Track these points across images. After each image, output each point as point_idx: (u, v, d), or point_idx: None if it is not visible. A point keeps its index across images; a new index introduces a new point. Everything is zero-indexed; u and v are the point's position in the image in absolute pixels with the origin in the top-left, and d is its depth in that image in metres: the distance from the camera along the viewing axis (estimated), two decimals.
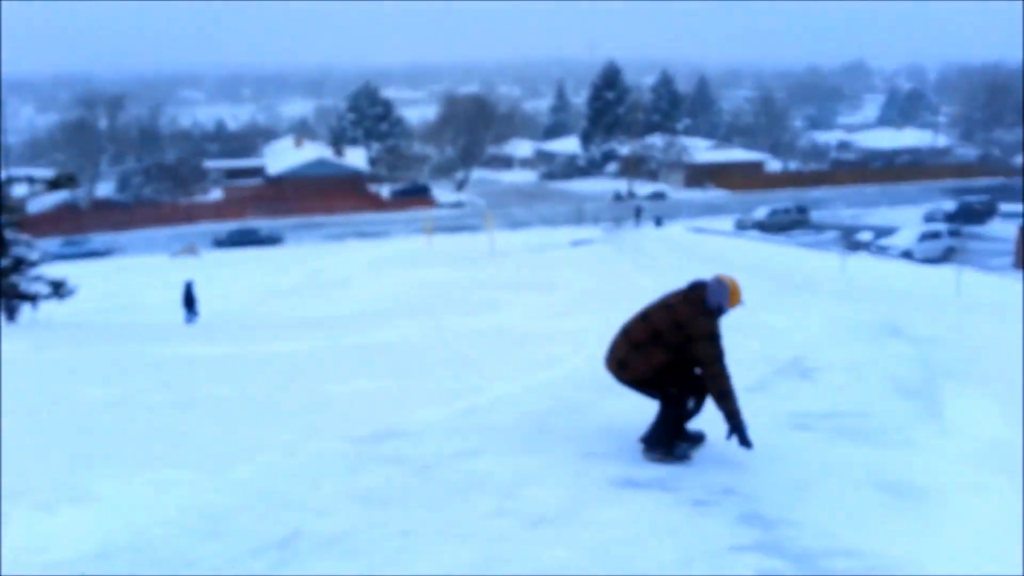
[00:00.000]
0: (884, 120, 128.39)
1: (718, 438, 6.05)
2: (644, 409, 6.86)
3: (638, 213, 51.14)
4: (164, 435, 6.63)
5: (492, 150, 79.44)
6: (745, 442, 5.55)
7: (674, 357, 5.51)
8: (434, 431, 6.72)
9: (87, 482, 5.15)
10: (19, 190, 36.71)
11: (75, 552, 4.35)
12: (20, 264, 18.05)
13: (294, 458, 5.91)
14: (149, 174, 67.28)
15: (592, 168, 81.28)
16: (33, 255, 18.41)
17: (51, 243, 44.38)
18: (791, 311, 15.59)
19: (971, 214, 47.25)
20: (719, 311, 5.49)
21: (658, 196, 65.92)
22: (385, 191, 67.45)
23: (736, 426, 5.51)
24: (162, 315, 21.75)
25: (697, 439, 6.04)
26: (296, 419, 7.18)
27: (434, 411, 7.35)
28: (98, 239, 50.16)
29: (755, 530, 4.73)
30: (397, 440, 6.47)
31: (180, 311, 21.37)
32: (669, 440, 5.78)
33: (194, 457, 5.83)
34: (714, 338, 5.40)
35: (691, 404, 5.74)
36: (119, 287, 29.77)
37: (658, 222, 49.12)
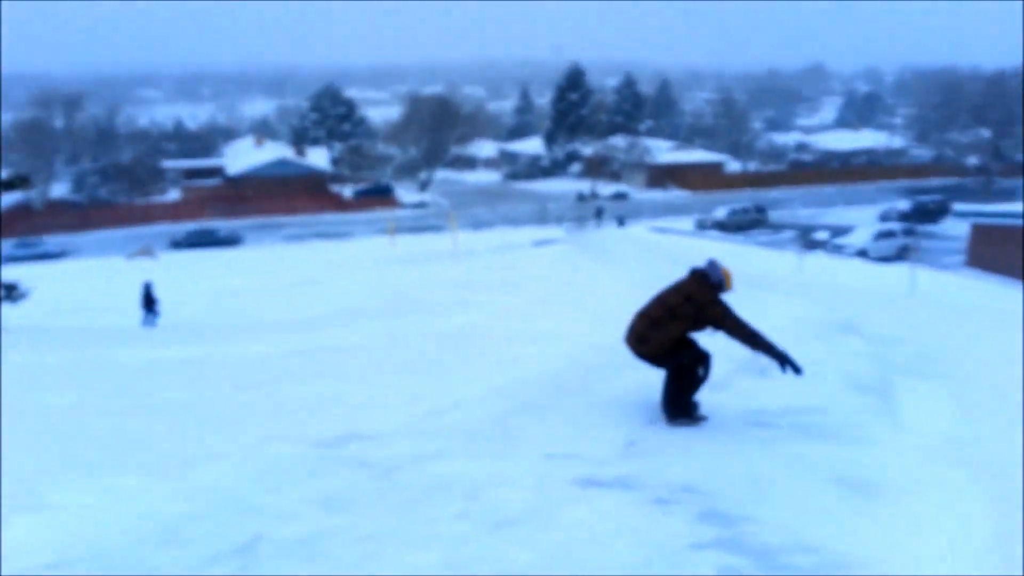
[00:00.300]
0: (842, 122, 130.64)
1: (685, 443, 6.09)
2: (608, 410, 6.92)
3: (599, 214, 51.08)
4: (121, 441, 6.49)
5: (456, 150, 79.30)
6: (796, 369, 6.27)
7: (688, 327, 6.37)
8: (397, 434, 6.69)
9: (42, 491, 5.03)
10: None
11: (30, 562, 4.25)
12: None
13: (255, 462, 5.82)
14: (105, 174, 65.96)
15: (555, 168, 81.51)
16: None
17: (4, 245, 43.33)
18: (749, 309, 15.75)
19: (925, 213, 48.28)
20: (719, 286, 6.40)
21: (620, 196, 66.36)
22: (348, 191, 66.97)
23: (779, 358, 6.23)
24: (119, 318, 21.33)
25: (697, 405, 6.83)
26: (257, 423, 7.09)
27: (397, 413, 7.31)
28: (52, 241, 49.10)
29: (716, 527, 4.78)
30: (360, 443, 6.42)
31: (138, 313, 20.96)
32: (688, 406, 6.68)
33: (152, 463, 5.72)
34: (720, 301, 6.27)
35: (701, 372, 6.55)
36: (74, 290, 29.10)
37: (620, 222, 49.42)
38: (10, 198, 58.06)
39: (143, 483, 5.30)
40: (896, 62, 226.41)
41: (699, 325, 6.36)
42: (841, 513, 5.07)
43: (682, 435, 6.72)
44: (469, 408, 7.53)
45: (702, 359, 6.54)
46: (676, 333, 6.35)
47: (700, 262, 6.76)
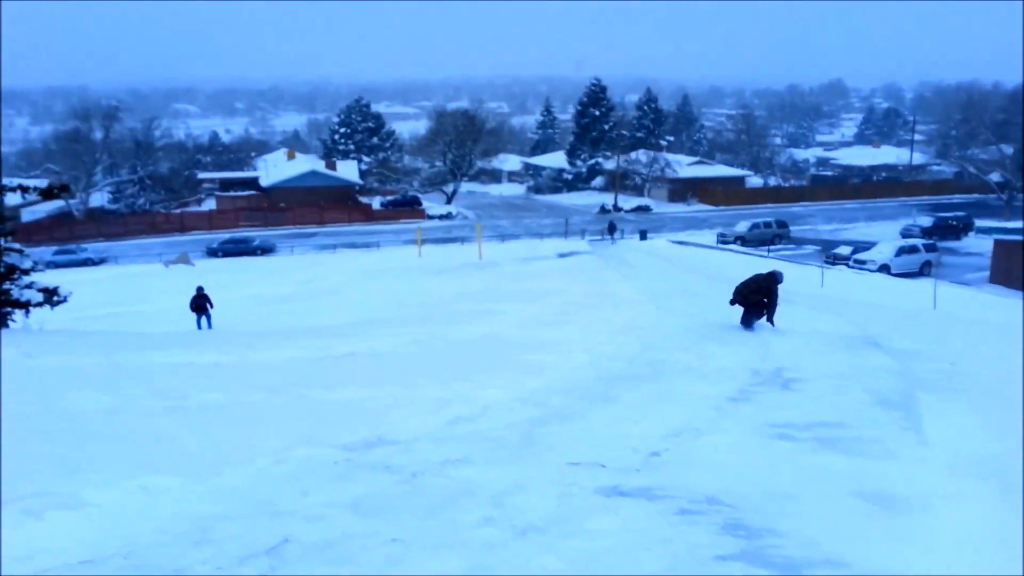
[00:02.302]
0: (862, 138, 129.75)
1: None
2: (632, 420, 6.95)
3: (612, 229, 49.33)
4: (154, 441, 6.58)
5: (481, 164, 79.61)
6: (771, 321, 14.43)
7: (763, 297, 14.34)
8: (423, 439, 6.75)
9: (76, 488, 5.11)
10: (13, 199, 36.43)
11: (63, 559, 4.32)
12: (12, 272, 17.90)
13: (284, 465, 5.91)
14: (143, 184, 67.25)
15: (578, 182, 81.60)
16: (26, 263, 18.22)
17: (45, 251, 43.89)
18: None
19: (947, 229, 47.78)
20: (780, 282, 14.57)
21: (643, 210, 66.28)
22: (376, 203, 67.61)
23: (771, 318, 14.40)
24: (156, 323, 21.55)
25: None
26: (286, 426, 7.18)
27: (423, 419, 7.38)
28: (92, 247, 49.74)
29: (739, 539, 4.78)
30: (387, 448, 6.50)
31: (192, 317, 21.42)
32: (751, 324, 14.33)
33: (185, 464, 5.81)
34: (776, 291, 14.39)
35: (766, 312, 14.42)
36: (113, 295, 29.34)
37: (643, 235, 49.18)
38: (52, 206, 59.01)
39: (176, 483, 5.37)
40: (915, 78, 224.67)
41: (766, 296, 14.38)
42: (865, 527, 5.04)
43: (707, 447, 6.74)
44: (494, 415, 7.59)
45: (766, 307, 14.47)
46: (760, 298, 14.41)
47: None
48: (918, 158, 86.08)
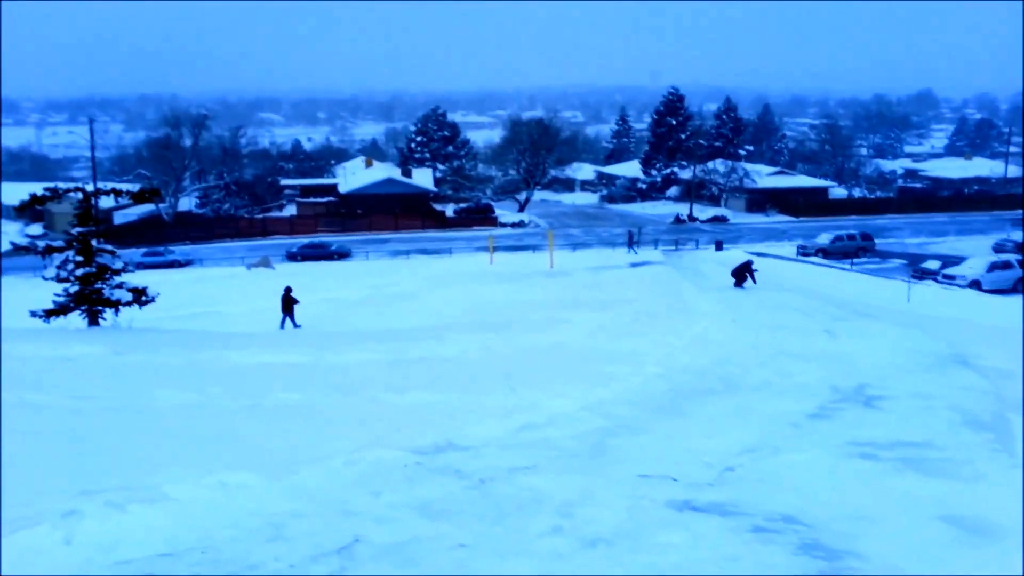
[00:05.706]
0: (953, 150, 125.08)
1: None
2: (705, 434, 6.82)
3: (631, 239, 46.63)
4: (232, 439, 6.77)
5: (554, 172, 79.67)
6: (754, 281, 28.07)
7: (746, 273, 27.91)
8: (492, 445, 6.76)
9: (158, 483, 5.28)
10: (106, 202, 38.22)
11: (143, 551, 4.45)
12: (104, 272, 18.79)
13: (356, 466, 5.99)
14: (229, 190, 69.83)
15: (652, 191, 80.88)
16: (117, 264, 19.12)
17: (135, 253, 45.79)
18: (854, 338, 15.28)
19: None
20: (752, 265, 28.85)
21: (719, 220, 65.20)
22: (450, 210, 68.43)
23: (754, 280, 27.83)
24: (237, 324, 22.22)
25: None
26: (359, 428, 7.28)
27: (492, 426, 7.39)
28: (179, 250, 51.79)
29: (817, 560, 4.62)
30: (456, 453, 6.52)
31: (279, 317, 22.19)
32: (741, 286, 27.37)
33: (261, 462, 5.93)
34: (753, 271, 28.26)
35: (750, 279, 27.62)
36: (197, 296, 30.35)
37: (718, 246, 48.34)
38: (142, 209, 61.97)
39: (252, 480, 5.49)
40: (1010, 88, 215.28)
41: (748, 273, 27.70)
42: (951, 553, 4.81)
43: (784, 465, 6.55)
44: (563, 424, 7.53)
45: (747, 278, 27.65)
46: (745, 274, 27.82)
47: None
48: (1013, 171, 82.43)
